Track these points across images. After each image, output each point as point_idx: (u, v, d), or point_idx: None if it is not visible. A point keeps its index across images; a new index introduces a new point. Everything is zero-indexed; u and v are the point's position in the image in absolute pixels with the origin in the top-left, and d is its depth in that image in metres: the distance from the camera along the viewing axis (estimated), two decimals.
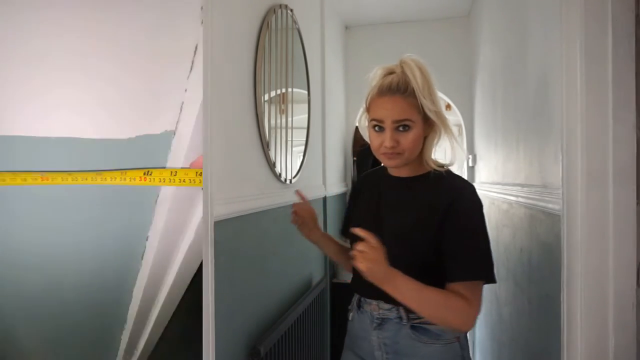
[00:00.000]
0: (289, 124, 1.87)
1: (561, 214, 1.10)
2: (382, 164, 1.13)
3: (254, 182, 1.50)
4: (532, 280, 1.62)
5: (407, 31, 3.26)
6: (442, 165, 1.07)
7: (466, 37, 3.15)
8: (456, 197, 1.00)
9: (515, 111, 1.91)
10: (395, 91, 1.00)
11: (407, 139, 1.00)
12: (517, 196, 1.80)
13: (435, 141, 1.06)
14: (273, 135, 1.66)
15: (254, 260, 1.48)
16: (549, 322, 1.36)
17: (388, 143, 1.00)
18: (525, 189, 1.68)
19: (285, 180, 1.77)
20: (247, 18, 1.45)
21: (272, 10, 1.62)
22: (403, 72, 1.02)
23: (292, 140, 1.89)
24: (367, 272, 0.91)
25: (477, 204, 1.01)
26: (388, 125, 1.00)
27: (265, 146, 1.57)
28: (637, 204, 0.99)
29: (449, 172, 1.08)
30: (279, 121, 1.74)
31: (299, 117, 2.04)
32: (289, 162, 1.83)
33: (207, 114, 1.16)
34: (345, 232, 1.21)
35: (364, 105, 1.09)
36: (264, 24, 1.55)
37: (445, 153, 1.10)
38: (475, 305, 0.96)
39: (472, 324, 0.96)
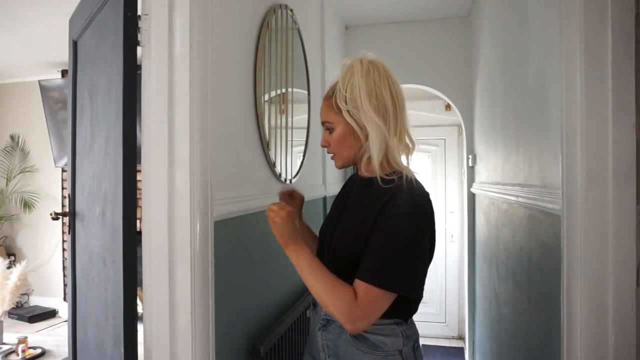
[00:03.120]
0: (289, 124, 1.87)
1: (561, 214, 1.10)
2: None
3: (254, 182, 1.50)
4: (532, 280, 1.62)
5: (407, 31, 3.26)
6: (396, 171, 1.01)
7: (466, 37, 3.15)
8: (391, 198, 0.94)
9: (515, 111, 1.91)
10: (326, 95, 1.07)
11: (333, 139, 1.05)
12: (517, 196, 1.80)
13: (373, 144, 0.98)
14: (273, 135, 1.66)
15: (254, 260, 1.48)
16: (549, 321, 1.37)
17: (321, 143, 1.10)
18: (525, 189, 1.69)
19: (285, 180, 1.77)
20: (247, 18, 1.45)
21: (272, 10, 1.62)
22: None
23: (292, 140, 1.89)
24: (274, 227, 1.00)
25: (413, 209, 0.93)
26: (323, 127, 1.08)
27: (265, 146, 1.57)
28: (637, 203, 0.99)
29: (403, 177, 0.99)
30: (279, 121, 1.74)
31: (299, 117, 2.04)
32: (289, 162, 1.83)
33: (207, 114, 1.16)
34: None
35: None
36: (264, 24, 1.55)
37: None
38: (361, 307, 0.90)
39: (355, 323, 0.91)
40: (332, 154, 1.09)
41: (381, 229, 0.93)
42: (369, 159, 1.01)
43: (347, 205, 1.11)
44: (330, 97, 1.04)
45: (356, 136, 1.01)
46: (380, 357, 1.00)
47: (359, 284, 0.92)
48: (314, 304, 1.15)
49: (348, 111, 0.99)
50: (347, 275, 0.96)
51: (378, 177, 0.99)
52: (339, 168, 1.11)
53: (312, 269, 0.97)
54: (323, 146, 1.09)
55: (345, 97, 0.99)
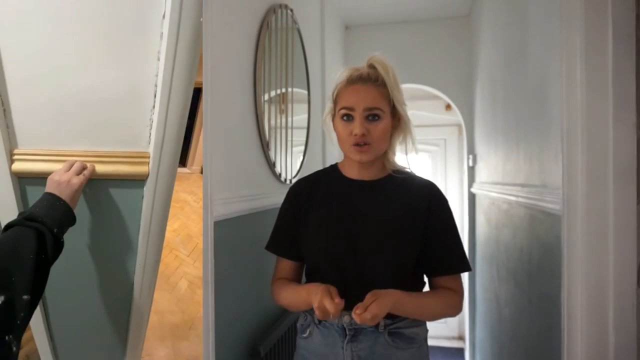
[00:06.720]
0: (289, 124, 1.87)
1: (561, 214, 1.10)
2: (341, 163, 1.13)
3: (254, 182, 1.50)
4: (533, 281, 1.62)
5: (407, 31, 3.26)
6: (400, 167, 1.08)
7: (466, 37, 3.15)
8: (432, 195, 1.05)
9: (515, 111, 1.91)
10: (367, 80, 0.98)
11: (377, 129, 0.97)
12: (517, 196, 1.80)
13: (400, 139, 1.05)
14: (273, 135, 1.65)
15: (254, 260, 1.48)
16: (549, 322, 1.36)
17: (358, 130, 0.95)
18: (525, 189, 1.68)
19: (285, 180, 1.77)
20: (247, 18, 1.45)
21: (272, 10, 1.62)
22: (372, 67, 1.01)
23: (292, 140, 1.89)
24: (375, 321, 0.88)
25: (447, 200, 1.08)
26: (359, 112, 0.97)
27: (265, 146, 1.56)
28: (638, 203, 0.99)
29: (412, 173, 1.09)
30: (279, 121, 1.74)
31: (299, 117, 2.04)
32: (289, 162, 1.83)
33: (207, 114, 1.16)
34: (291, 249, 1.11)
35: (331, 99, 1.06)
36: (264, 24, 1.55)
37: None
38: (462, 294, 1.05)
39: (459, 309, 1.05)
40: (365, 144, 0.97)
41: (442, 222, 1.03)
42: (381, 157, 1.04)
43: (359, 212, 1.02)
44: (377, 84, 0.98)
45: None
46: (415, 349, 1.03)
47: (449, 277, 1.03)
48: (320, 320, 1.03)
49: (403, 105, 1.01)
50: (403, 279, 0.99)
51: (406, 173, 1.07)
52: (367, 161, 1.01)
53: (419, 308, 1.00)
54: (362, 134, 0.96)
55: (398, 90, 1.00)
